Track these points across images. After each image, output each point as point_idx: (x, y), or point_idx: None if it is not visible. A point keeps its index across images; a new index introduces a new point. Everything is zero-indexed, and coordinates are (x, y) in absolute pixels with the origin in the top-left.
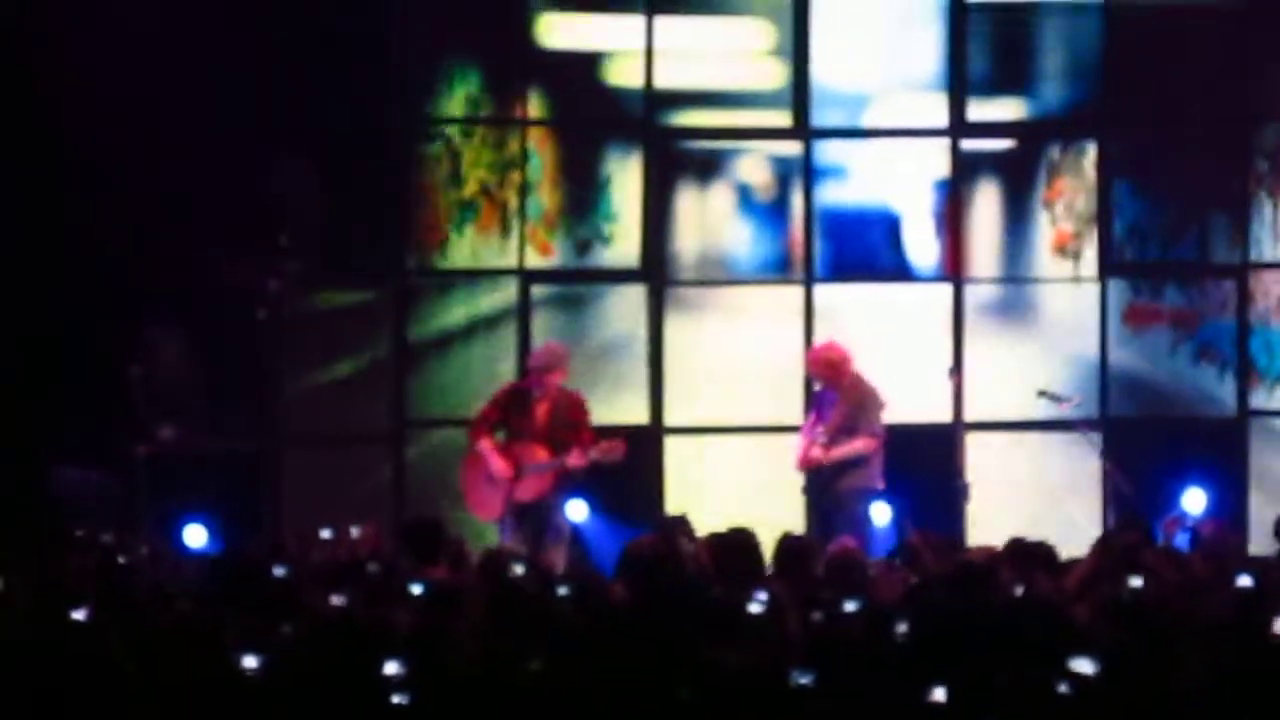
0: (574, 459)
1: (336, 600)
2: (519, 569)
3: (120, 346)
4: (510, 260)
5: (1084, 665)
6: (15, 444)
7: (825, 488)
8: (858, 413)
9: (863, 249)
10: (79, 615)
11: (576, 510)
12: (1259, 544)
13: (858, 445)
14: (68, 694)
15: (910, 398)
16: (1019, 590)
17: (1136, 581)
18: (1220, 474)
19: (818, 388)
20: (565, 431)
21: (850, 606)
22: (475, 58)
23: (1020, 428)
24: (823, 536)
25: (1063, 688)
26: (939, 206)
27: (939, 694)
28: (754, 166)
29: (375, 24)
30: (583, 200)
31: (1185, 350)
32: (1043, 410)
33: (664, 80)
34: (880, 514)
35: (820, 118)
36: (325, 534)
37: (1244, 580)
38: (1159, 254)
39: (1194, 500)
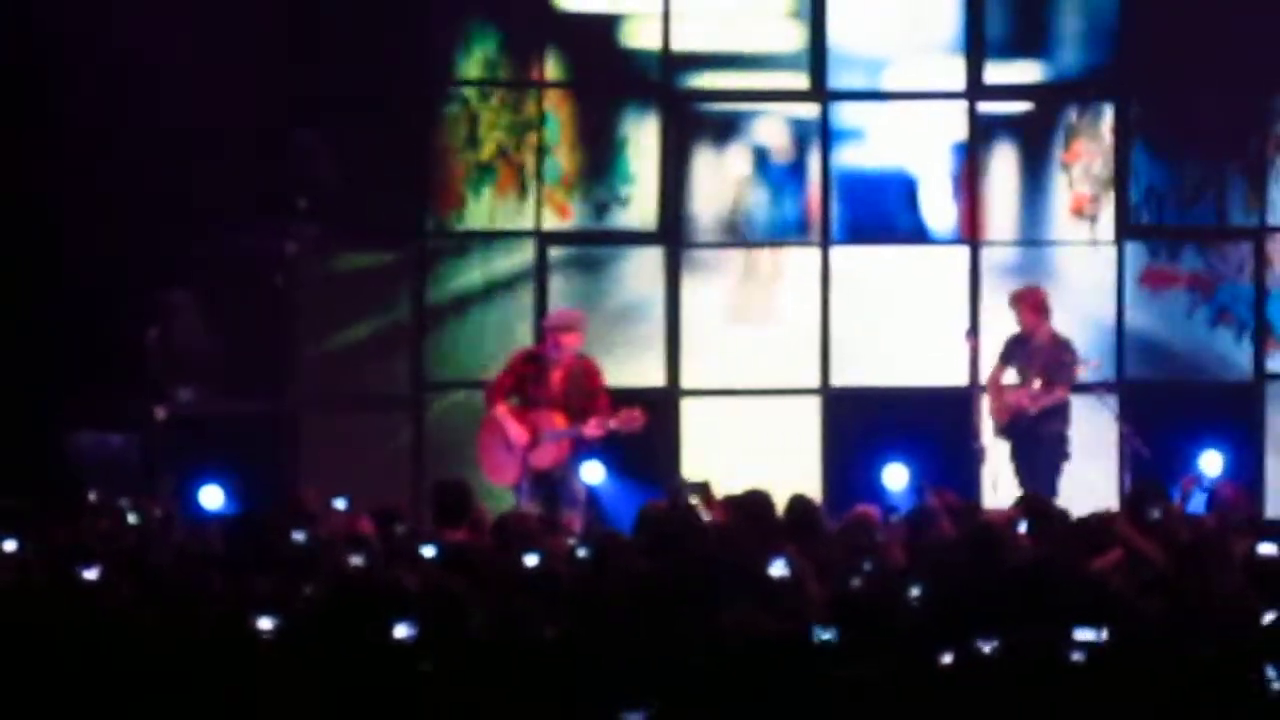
0: (591, 428)
1: (355, 561)
2: (531, 560)
3: (138, 310)
4: (527, 222)
5: (1088, 634)
6: (34, 408)
7: (1025, 435)
8: (1057, 361)
9: (880, 212)
10: (90, 575)
11: (593, 473)
12: (1275, 508)
13: (1058, 394)
14: (79, 655)
15: (927, 360)
16: (1031, 553)
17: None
18: (1236, 437)
19: (1012, 334)
20: (581, 398)
21: (864, 567)
22: (493, 20)
23: None
24: (1030, 483)
25: (1076, 655)
26: (956, 169)
27: (950, 658)
28: (771, 129)
29: None
30: (600, 162)
31: (1202, 314)
32: None
33: (681, 42)
34: (897, 477)
35: (838, 80)
36: (339, 504)
37: (1266, 547)
38: (1176, 217)
39: (1210, 463)
